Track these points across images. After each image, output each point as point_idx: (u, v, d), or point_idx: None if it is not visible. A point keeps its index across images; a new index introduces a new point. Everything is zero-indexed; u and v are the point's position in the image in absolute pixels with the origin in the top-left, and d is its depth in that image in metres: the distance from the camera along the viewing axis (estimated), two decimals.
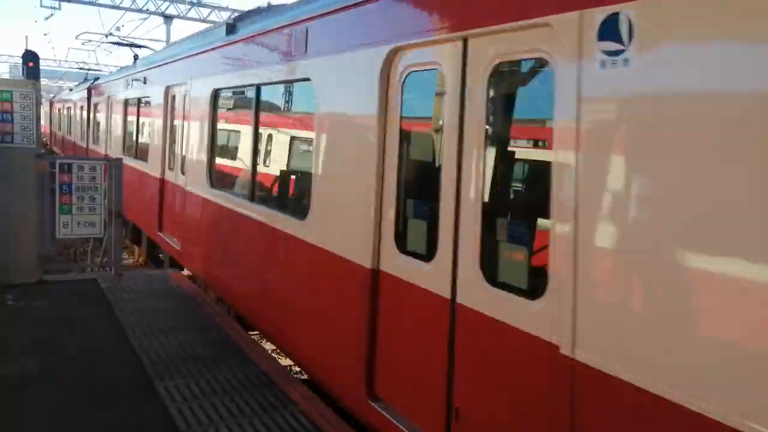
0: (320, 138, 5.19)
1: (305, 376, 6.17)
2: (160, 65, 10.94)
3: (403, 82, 4.27)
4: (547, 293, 3.10)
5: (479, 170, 3.57)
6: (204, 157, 8.06)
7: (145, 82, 12.02)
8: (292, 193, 6.46)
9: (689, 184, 2.43)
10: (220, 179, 7.84)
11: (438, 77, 3.96)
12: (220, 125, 8.03)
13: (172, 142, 9.85)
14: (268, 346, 6.88)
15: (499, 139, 3.73)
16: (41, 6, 28.51)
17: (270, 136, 6.91)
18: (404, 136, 4.29)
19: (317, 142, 5.24)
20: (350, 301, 4.62)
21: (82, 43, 40.15)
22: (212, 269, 7.76)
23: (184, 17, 29.58)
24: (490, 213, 3.54)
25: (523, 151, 3.75)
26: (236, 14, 26.28)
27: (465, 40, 3.69)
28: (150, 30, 69.27)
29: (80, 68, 47.33)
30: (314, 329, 5.19)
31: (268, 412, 4.56)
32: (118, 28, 30.64)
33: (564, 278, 2.95)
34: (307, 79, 5.44)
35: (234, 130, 7.87)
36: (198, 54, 8.64)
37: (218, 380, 5.05)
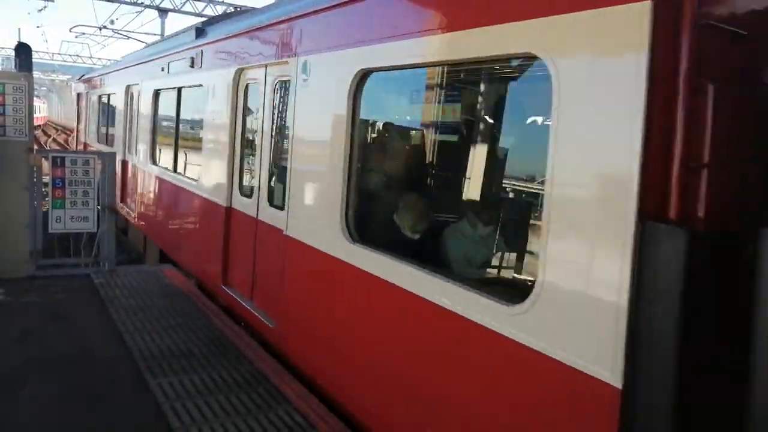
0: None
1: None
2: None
3: None
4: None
5: None
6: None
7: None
8: None
9: None
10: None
11: None
12: None
13: None
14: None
15: None
16: None
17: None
18: None
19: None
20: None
21: (76, 36, 39.87)
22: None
23: (179, 11, 29.42)
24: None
25: None
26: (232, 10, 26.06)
27: None
28: (144, 23, 68.97)
29: (74, 61, 47.05)
30: None
31: (262, 409, 4.53)
32: (112, 21, 30.42)
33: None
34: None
35: None
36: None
37: (212, 377, 5.02)
